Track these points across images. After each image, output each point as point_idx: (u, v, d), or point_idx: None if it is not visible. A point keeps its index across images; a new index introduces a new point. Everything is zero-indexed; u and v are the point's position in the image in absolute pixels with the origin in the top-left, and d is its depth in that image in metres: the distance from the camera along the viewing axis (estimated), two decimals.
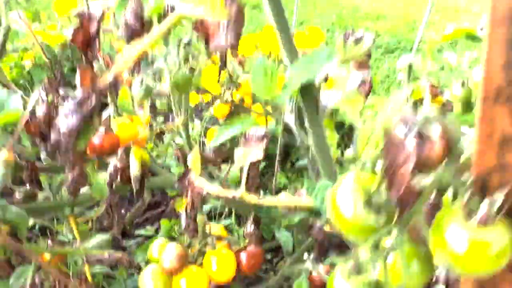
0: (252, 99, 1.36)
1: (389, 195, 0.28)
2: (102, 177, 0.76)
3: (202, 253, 0.68)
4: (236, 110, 1.43)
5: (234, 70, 1.46)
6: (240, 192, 0.54)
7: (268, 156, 1.65)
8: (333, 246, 1.06)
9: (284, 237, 0.83)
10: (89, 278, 0.77)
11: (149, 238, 1.50)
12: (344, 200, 0.29)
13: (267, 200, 0.55)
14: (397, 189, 0.27)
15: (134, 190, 0.66)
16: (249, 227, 0.61)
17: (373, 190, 0.28)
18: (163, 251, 0.63)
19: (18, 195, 0.88)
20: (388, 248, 0.29)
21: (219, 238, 0.69)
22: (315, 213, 1.16)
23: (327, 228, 1.03)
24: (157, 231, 1.54)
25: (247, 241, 0.69)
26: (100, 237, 0.73)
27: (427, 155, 0.27)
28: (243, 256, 0.67)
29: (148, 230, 1.51)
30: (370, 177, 0.29)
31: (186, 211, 0.67)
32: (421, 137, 0.28)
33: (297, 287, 0.78)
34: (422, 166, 0.27)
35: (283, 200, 0.54)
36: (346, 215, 0.29)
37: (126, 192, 1.60)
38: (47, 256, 0.86)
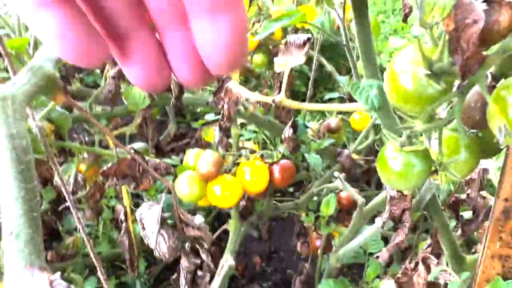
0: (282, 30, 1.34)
1: (451, 61, 0.27)
2: (138, 90, 0.77)
3: (236, 164, 0.70)
4: (264, 43, 1.41)
5: (264, 2, 1.43)
6: (280, 97, 0.55)
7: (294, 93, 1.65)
8: (360, 173, 1.08)
9: (314, 159, 0.85)
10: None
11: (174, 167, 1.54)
12: (403, 69, 0.29)
13: (307, 105, 0.56)
14: (461, 54, 0.27)
15: (173, 97, 0.67)
16: (287, 132, 0.62)
17: (435, 58, 0.28)
18: (199, 158, 0.65)
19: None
20: (445, 117, 0.29)
21: (252, 152, 0.71)
22: (343, 144, 1.17)
23: (354, 156, 1.04)
24: (182, 161, 1.58)
25: (279, 156, 0.70)
26: (138, 144, 0.75)
27: (495, 21, 0.27)
28: (276, 168, 0.69)
29: (174, 159, 1.54)
30: (431, 47, 0.29)
31: (220, 124, 0.68)
32: (491, 2, 0.27)
33: (325, 204, 0.80)
34: (488, 33, 0.27)
35: (323, 106, 0.54)
36: (405, 84, 0.29)
37: (159, 111, 1.62)
38: (83, 167, 0.89)
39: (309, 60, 1.75)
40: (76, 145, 0.70)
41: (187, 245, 0.58)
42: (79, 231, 1.33)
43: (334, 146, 1.07)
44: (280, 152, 0.70)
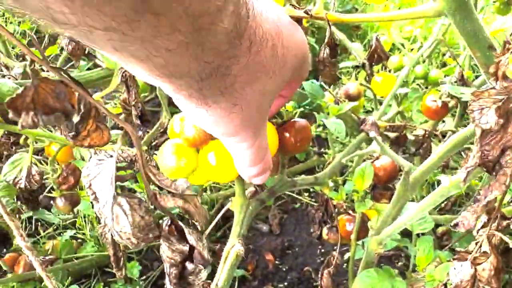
0: None
1: None
2: None
3: None
4: None
5: None
6: (316, 8, 0.39)
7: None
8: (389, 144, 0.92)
9: (335, 124, 0.68)
10: None
11: None
12: None
13: (348, 16, 0.40)
14: None
15: None
16: (324, 52, 0.46)
17: None
18: (185, 122, 0.48)
19: None
20: None
21: None
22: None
23: (381, 124, 0.88)
24: None
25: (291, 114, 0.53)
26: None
27: None
28: (287, 129, 0.51)
29: None
30: None
31: None
32: None
33: (359, 175, 0.64)
34: None
35: (368, 16, 0.38)
36: None
37: (147, 87, 1.46)
38: (54, 149, 0.72)
39: (313, 34, 1.60)
40: (32, 131, 0.53)
41: (166, 223, 0.38)
42: (61, 234, 1.16)
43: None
44: (290, 110, 0.53)
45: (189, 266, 0.39)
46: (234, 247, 0.51)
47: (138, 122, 0.72)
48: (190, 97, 0.29)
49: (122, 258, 0.64)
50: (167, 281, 0.39)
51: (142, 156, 0.35)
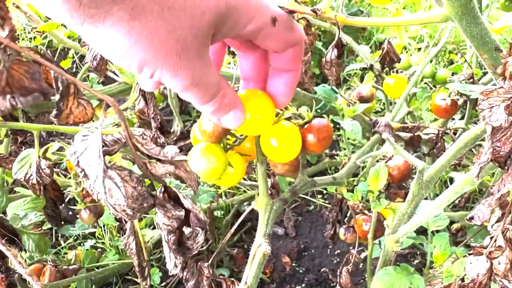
0: None
1: None
2: None
3: None
4: None
5: None
6: (322, 6, 0.41)
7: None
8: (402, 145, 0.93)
9: (351, 125, 0.70)
10: None
11: None
12: None
13: (357, 19, 0.41)
14: None
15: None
16: (331, 53, 0.47)
17: None
18: (202, 119, 0.50)
19: None
20: None
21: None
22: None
23: (394, 126, 0.89)
24: None
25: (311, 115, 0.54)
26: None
27: None
28: (309, 130, 0.53)
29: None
30: None
31: None
32: None
33: (374, 176, 0.65)
34: None
35: (376, 20, 0.40)
36: None
37: (161, 98, 1.48)
38: None
39: (319, 37, 1.62)
40: (35, 126, 0.55)
41: (159, 191, 0.37)
42: (81, 244, 1.19)
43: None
44: (310, 112, 0.55)
45: (186, 230, 0.39)
46: (260, 247, 0.52)
47: (158, 133, 0.74)
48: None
49: (146, 268, 0.66)
50: (165, 248, 0.39)
51: (127, 128, 0.34)
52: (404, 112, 1.07)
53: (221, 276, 0.53)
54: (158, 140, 0.61)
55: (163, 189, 0.37)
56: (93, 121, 0.54)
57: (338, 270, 0.70)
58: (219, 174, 0.48)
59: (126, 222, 0.66)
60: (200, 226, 0.38)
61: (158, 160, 0.36)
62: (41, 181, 0.59)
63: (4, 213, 0.73)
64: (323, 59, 0.49)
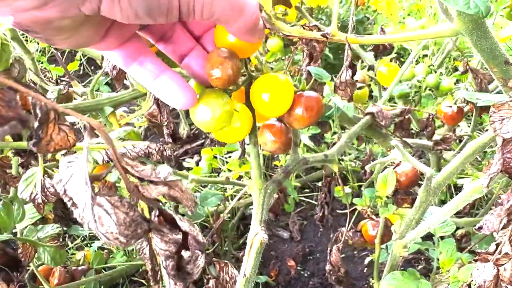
0: None
1: None
2: None
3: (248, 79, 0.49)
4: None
5: None
6: (331, 29, 0.42)
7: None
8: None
9: (344, 101, 0.72)
10: None
11: (189, 170, 1.41)
12: None
13: (368, 38, 0.43)
14: None
15: None
16: (345, 74, 0.48)
17: None
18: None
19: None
20: None
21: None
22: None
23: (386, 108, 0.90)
24: (197, 163, 1.45)
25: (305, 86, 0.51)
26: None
27: None
28: (299, 100, 0.48)
29: (189, 163, 1.42)
30: None
31: None
32: None
33: (382, 181, 0.67)
34: None
35: (387, 37, 0.41)
36: None
37: None
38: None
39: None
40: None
41: (154, 214, 0.35)
42: (88, 245, 1.20)
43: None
44: (305, 81, 0.50)
45: (185, 254, 0.36)
46: (257, 235, 0.50)
47: (170, 140, 0.76)
48: None
49: (159, 272, 0.67)
50: (164, 275, 0.36)
51: (115, 150, 0.31)
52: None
53: (214, 259, 0.52)
54: (164, 153, 0.61)
55: (157, 213, 0.35)
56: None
57: (328, 249, 0.72)
58: (230, 116, 0.44)
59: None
60: (199, 249, 0.35)
61: (151, 181, 0.34)
62: (46, 200, 0.60)
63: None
64: (337, 81, 0.49)
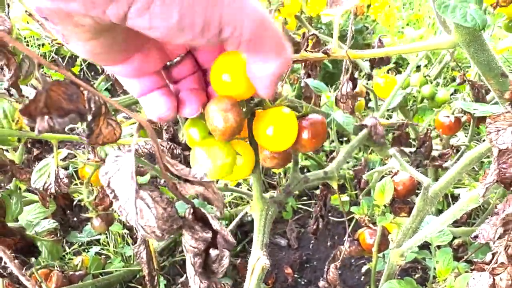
0: None
1: None
2: None
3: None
4: None
5: None
6: (333, 45, 0.43)
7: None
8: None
9: (344, 117, 0.73)
10: None
11: None
12: None
13: (368, 52, 0.43)
14: None
15: None
16: (346, 87, 0.49)
17: None
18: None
19: None
20: None
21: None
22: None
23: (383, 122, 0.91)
24: None
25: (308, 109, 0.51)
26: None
27: None
28: (304, 124, 0.47)
29: None
30: None
31: None
32: None
33: (380, 190, 0.67)
34: None
35: (387, 50, 0.42)
36: None
37: None
38: (88, 170, 0.77)
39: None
40: (53, 135, 0.56)
41: (188, 212, 0.36)
42: (85, 250, 1.20)
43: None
44: (307, 106, 0.50)
45: (213, 252, 0.37)
46: (259, 260, 0.49)
47: (174, 144, 0.76)
48: None
49: (156, 277, 0.67)
50: (191, 272, 0.37)
51: (159, 148, 0.33)
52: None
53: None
54: (174, 151, 0.62)
55: (191, 210, 0.36)
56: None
57: (326, 266, 0.72)
58: (231, 168, 0.43)
59: (137, 231, 0.68)
60: (227, 248, 0.36)
61: (187, 180, 0.35)
62: (59, 190, 0.60)
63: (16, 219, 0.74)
64: (338, 93, 0.50)
